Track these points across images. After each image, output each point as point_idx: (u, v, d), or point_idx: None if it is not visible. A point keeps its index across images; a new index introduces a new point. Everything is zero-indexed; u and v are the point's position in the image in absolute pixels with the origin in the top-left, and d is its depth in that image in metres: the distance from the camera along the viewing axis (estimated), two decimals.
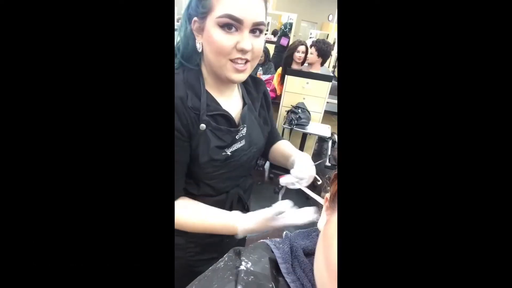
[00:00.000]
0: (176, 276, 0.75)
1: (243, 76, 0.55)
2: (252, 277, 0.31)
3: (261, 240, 0.39)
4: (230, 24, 0.49)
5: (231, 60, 0.52)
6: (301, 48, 2.33)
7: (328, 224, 0.32)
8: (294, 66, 2.36)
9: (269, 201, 0.59)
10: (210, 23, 0.50)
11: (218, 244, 0.71)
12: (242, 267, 0.32)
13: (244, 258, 0.34)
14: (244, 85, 0.67)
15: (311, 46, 2.32)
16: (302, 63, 2.39)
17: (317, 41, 2.32)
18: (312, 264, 0.34)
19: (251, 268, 0.32)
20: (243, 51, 0.51)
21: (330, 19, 5.52)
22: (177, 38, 0.57)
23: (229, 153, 0.59)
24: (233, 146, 0.60)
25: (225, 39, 0.50)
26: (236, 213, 0.58)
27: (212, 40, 0.50)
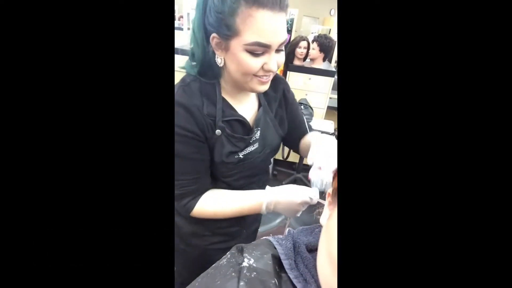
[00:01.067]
0: (193, 264, 0.77)
1: (267, 86, 0.57)
2: (254, 273, 0.31)
3: (264, 237, 0.39)
4: (258, 50, 0.49)
5: (255, 75, 0.53)
6: (303, 43, 2.31)
7: (330, 219, 0.32)
8: (296, 62, 2.34)
9: None
10: (237, 47, 0.50)
11: (236, 234, 0.74)
12: (244, 264, 0.32)
13: (246, 254, 0.34)
14: None
15: (313, 41, 2.30)
16: (304, 59, 2.37)
17: (319, 36, 2.30)
18: (315, 260, 0.33)
19: (254, 265, 0.32)
20: (269, 71, 0.53)
21: (332, 13, 5.47)
22: (192, 49, 0.57)
23: (241, 156, 0.61)
24: (246, 149, 0.62)
25: (253, 62, 0.50)
26: (262, 190, 0.61)
27: (240, 63, 0.51)
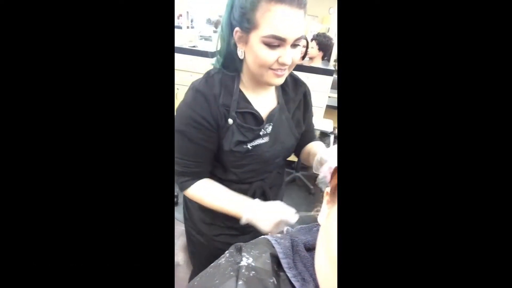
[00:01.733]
0: (200, 255, 0.80)
1: (282, 80, 0.60)
2: (253, 272, 0.31)
3: (262, 236, 0.39)
4: (274, 43, 0.53)
5: (271, 69, 0.57)
6: (302, 42, 2.30)
7: (329, 218, 0.32)
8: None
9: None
10: (255, 39, 0.53)
11: (245, 231, 0.76)
12: (243, 263, 0.32)
13: (245, 254, 0.34)
14: (282, 85, 0.69)
15: (311, 40, 2.30)
16: (303, 58, 2.37)
17: (318, 35, 2.29)
18: (313, 259, 0.33)
19: (252, 264, 0.32)
20: (284, 65, 0.56)
21: (330, 12, 5.46)
22: (218, 44, 0.62)
23: (249, 147, 0.64)
24: (254, 141, 0.65)
25: (269, 55, 0.54)
26: (248, 201, 0.63)
27: (257, 54, 0.54)
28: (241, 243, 0.37)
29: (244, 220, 0.61)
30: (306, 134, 0.77)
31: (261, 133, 0.65)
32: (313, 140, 0.80)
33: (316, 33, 2.44)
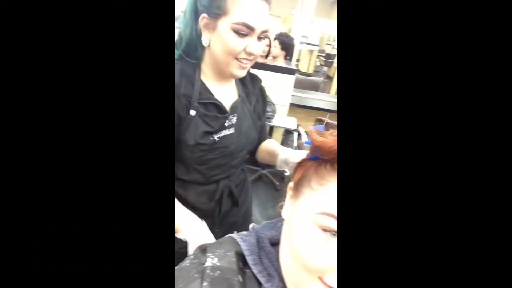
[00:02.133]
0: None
1: (244, 73, 0.61)
2: (218, 272, 0.31)
3: (228, 235, 0.39)
4: (244, 30, 0.54)
5: (237, 59, 0.58)
6: (265, 41, 2.33)
7: (291, 213, 0.33)
8: (258, 60, 2.35)
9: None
10: (225, 26, 0.54)
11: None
12: (207, 264, 0.32)
13: (210, 254, 0.33)
14: (241, 79, 0.69)
15: (274, 39, 2.34)
16: (266, 57, 2.39)
17: (280, 34, 2.34)
18: (278, 253, 0.34)
19: (217, 263, 0.32)
20: (251, 54, 0.58)
21: (292, 13, 5.61)
22: (180, 31, 0.61)
23: (216, 139, 0.62)
24: (220, 132, 0.63)
25: (238, 43, 0.55)
26: (196, 221, 0.58)
27: (225, 41, 0.55)
28: (206, 243, 0.36)
29: (181, 236, 0.58)
30: (262, 130, 0.78)
31: (226, 124, 0.64)
32: (266, 137, 0.81)
33: (278, 32, 2.49)
